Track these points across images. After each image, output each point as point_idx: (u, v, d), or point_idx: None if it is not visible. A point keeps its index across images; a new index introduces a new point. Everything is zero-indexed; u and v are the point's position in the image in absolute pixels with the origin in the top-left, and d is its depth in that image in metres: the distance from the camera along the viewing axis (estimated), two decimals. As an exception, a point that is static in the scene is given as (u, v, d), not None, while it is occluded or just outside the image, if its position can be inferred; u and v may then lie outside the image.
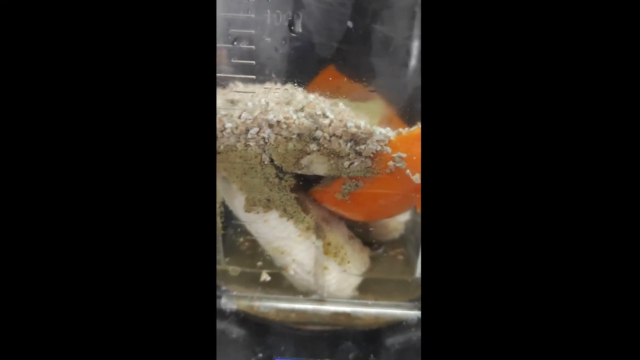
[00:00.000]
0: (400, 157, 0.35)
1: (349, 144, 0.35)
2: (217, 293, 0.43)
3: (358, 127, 0.34)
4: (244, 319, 0.42)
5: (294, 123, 0.34)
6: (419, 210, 0.39)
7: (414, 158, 0.35)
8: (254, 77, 0.35)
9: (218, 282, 0.43)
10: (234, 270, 0.43)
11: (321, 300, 0.43)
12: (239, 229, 0.42)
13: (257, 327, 0.42)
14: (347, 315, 0.43)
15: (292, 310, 0.43)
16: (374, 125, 0.35)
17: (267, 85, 0.35)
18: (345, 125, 0.34)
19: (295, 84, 0.35)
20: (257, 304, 0.43)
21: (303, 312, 0.43)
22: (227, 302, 0.43)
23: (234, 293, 0.43)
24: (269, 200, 0.38)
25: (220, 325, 0.42)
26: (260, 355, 0.41)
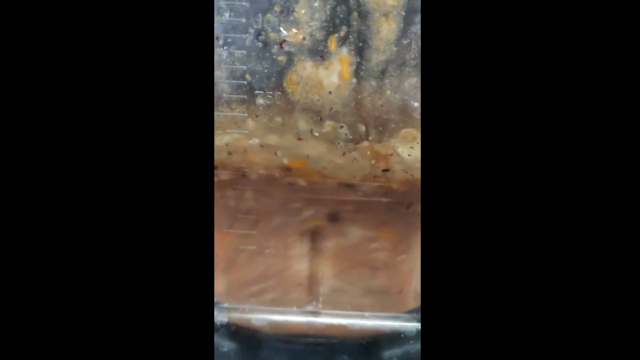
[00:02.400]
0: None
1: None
2: (207, 305, 0.41)
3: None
4: (235, 332, 0.41)
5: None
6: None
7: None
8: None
9: (208, 293, 0.41)
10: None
11: (316, 312, 0.41)
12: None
13: (249, 340, 0.41)
14: (343, 327, 0.41)
15: (286, 323, 0.41)
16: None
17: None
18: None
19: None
20: (249, 316, 0.41)
21: (297, 325, 0.41)
22: (218, 314, 0.41)
23: (225, 305, 0.41)
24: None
25: (210, 338, 0.40)
26: (253, 370, 0.40)
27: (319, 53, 0.31)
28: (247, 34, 0.30)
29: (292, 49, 0.30)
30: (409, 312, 0.41)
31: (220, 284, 0.41)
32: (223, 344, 0.40)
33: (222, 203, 0.37)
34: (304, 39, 0.31)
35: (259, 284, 0.41)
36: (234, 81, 0.31)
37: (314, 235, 0.39)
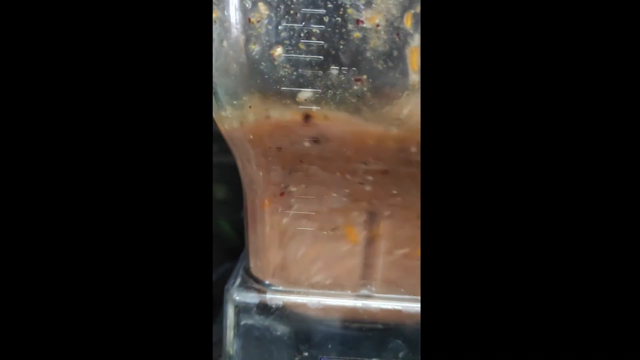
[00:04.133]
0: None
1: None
2: (262, 287, 0.40)
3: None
4: (289, 315, 0.40)
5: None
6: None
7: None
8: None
9: (261, 275, 0.40)
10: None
11: (370, 296, 0.41)
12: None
13: (303, 324, 0.40)
14: (397, 312, 0.41)
15: (340, 307, 0.40)
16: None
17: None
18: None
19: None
20: (304, 299, 0.40)
21: (351, 309, 0.40)
22: (273, 297, 0.40)
23: (280, 288, 0.41)
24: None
25: (264, 322, 0.40)
26: (306, 354, 0.39)
27: (395, 31, 0.30)
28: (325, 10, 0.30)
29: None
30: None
31: (275, 266, 0.40)
32: (277, 328, 0.40)
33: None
34: (377, 25, 0.30)
35: (314, 266, 0.40)
36: (309, 57, 0.30)
37: (371, 217, 0.38)
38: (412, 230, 0.39)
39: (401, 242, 0.39)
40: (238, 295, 0.40)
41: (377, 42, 0.31)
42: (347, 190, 0.37)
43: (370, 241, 0.39)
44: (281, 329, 0.40)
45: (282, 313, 0.40)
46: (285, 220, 0.39)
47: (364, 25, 0.30)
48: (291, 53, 0.31)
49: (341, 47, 0.31)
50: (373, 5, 0.30)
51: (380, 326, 0.40)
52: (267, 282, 0.41)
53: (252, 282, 0.41)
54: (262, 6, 0.30)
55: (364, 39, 0.30)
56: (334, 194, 0.38)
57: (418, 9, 0.30)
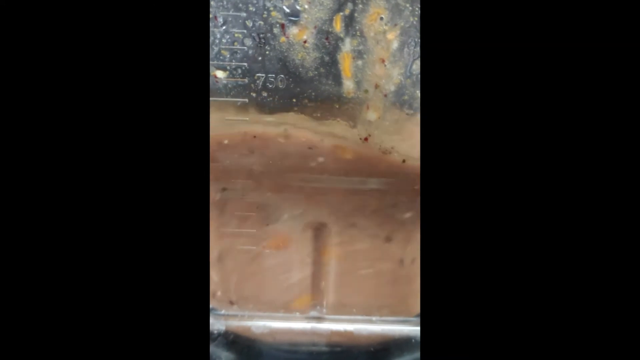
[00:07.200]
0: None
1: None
2: (203, 312, 0.38)
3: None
4: (233, 341, 0.38)
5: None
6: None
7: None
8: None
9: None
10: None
11: (320, 318, 0.39)
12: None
13: (249, 350, 0.38)
14: (349, 334, 0.39)
15: (288, 330, 0.39)
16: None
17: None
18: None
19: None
20: (248, 323, 0.38)
21: (300, 332, 0.39)
22: (215, 322, 0.38)
23: (222, 312, 0.39)
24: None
25: (207, 348, 0.38)
26: (253, 382, 0.37)
27: (324, 34, 0.29)
28: (247, 13, 0.28)
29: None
30: (419, 315, 0.39)
31: (217, 289, 0.38)
32: (220, 355, 0.38)
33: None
34: (305, 42, 0.29)
35: (258, 287, 0.38)
36: (233, 63, 0.29)
37: (318, 233, 0.37)
38: (363, 246, 0.38)
39: (352, 259, 0.38)
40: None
41: (304, 54, 0.29)
42: (291, 205, 0.36)
43: (319, 259, 0.37)
44: (225, 356, 0.38)
45: (225, 339, 0.38)
46: (224, 238, 0.37)
47: (290, 38, 0.29)
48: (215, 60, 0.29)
49: (267, 53, 0.29)
50: (299, 16, 0.28)
51: (331, 349, 0.39)
52: (210, 305, 0.39)
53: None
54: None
55: (289, 46, 0.29)
56: (277, 209, 0.36)
57: (347, 11, 0.29)
